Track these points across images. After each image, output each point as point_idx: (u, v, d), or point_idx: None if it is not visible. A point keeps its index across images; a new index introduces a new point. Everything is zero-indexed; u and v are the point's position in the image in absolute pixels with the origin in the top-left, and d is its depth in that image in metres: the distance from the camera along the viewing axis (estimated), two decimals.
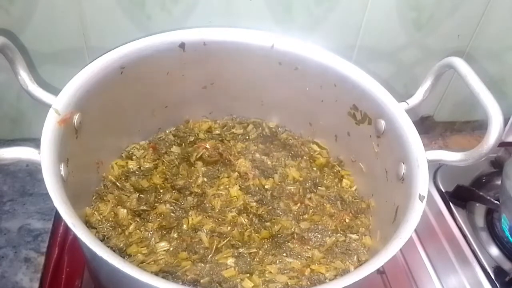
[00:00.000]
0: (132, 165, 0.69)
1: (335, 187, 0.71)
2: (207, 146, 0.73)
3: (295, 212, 0.67)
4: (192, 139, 0.74)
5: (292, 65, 0.68)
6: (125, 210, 0.63)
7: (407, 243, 0.49)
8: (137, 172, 0.68)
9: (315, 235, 0.65)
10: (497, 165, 0.82)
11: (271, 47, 0.67)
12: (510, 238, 0.71)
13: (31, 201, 0.73)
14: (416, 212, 0.52)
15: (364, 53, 0.79)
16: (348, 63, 0.66)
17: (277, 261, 0.61)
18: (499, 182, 0.75)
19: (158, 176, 0.68)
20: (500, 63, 0.87)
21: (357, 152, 0.71)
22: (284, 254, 0.62)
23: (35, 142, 0.50)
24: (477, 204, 0.77)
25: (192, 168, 0.70)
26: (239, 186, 0.68)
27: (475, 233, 0.72)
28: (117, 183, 0.66)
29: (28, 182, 0.75)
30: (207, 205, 0.66)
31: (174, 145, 0.73)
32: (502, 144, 0.85)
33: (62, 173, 0.51)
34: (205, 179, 0.69)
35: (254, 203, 0.67)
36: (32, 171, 0.76)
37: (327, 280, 0.60)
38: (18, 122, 0.79)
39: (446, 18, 0.78)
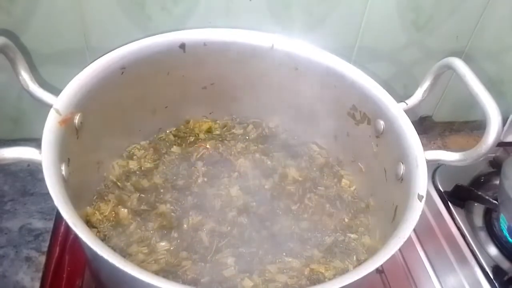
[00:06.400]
0: (132, 165, 0.69)
1: (335, 187, 0.72)
2: (207, 146, 0.73)
3: (294, 212, 0.67)
4: (192, 139, 0.74)
5: (292, 65, 0.69)
6: (125, 210, 0.63)
7: (406, 242, 0.49)
8: (137, 172, 0.68)
9: (314, 234, 0.65)
10: (496, 165, 0.83)
11: (271, 47, 0.68)
12: (509, 238, 0.72)
13: (32, 200, 0.73)
14: (415, 211, 0.52)
15: (363, 54, 0.79)
16: (347, 63, 0.66)
17: (277, 261, 0.61)
18: (497, 182, 0.75)
19: (158, 176, 0.68)
20: (499, 64, 0.87)
21: (357, 152, 0.71)
22: (284, 254, 0.62)
23: (36, 142, 0.50)
24: (476, 204, 0.77)
25: (192, 168, 0.70)
26: (239, 186, 0.68)
27: (474, 233, 0.73)
28: (118, 183, 0.66)
29: (29, 182, 0.75)
30: (207, 205, 0.66)
31: (175, 145, 0.73)
32: (501, 144, 0.85)
33: (63, 173, 0.51)
34: (205, 179, 0.69)
35: (254, 203, 0.67)
36: (33, 171, 0.76)
37: (326, 280, 0.60)
38: (19, 122, 0.79)
39: (445, 19, 0.78)
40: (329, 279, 0.59)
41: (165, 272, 0.57)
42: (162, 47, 0.64)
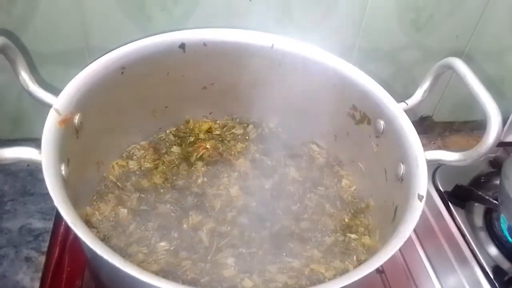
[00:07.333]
0: (132, 165, 0.69)
1: (335, 187, 0.72)
2: (207, 146, 0.73)
3: (294, 212, 0.67)
4: (192, 139, 0.74)
5: (292, 65, 0.68)
6: (125, 210, 0.63)
7: (406, 242, 0.49)
8: (137, 172, 0.68)
9: (314, 234, 0.65)
10: (496, 165, 0.83)
11: (271, 47, 0.68)
12: (509, 238, 0.72)
13: (32, 200, 0.73)
14: (415, 211, 0.52)
15: (363, 54, 0.79)
16: (347, 63, 0.66)
17: (277, 261, 0.61)
18: (497, 182, 0.75)
19: (158, 176, 0.68)
20: (499, 64, 0.87)
21: (357, 152, 0.71)
22: (284, 254, 0.62)
23: (36, 142, 0.50)
24: (476, 204, 0.77)
25: (192, 168, 0.70)
26: (239, 186, 0.68)
27: (474, 233, 0.72)
28: (118, 183, 0.66)
29: (29, 182, 0.75)
30: (207, 205, 0.66)
31: (175, 145, 0.73)
32: (501, 144, 0.85)
33: (63, 172, 0.51)
34: (205, 179, 0.69)
35: (254, 203, 0.67)
36: (33, 171, 0.76)
37: (326, 280, 0.60)
38: (19, 122, 0.79)
39: (445, 19, 0.78)
40: (329, 279, 0.59)
41: (165, 272, 0.57)
42: (162, 47, 0.64)
